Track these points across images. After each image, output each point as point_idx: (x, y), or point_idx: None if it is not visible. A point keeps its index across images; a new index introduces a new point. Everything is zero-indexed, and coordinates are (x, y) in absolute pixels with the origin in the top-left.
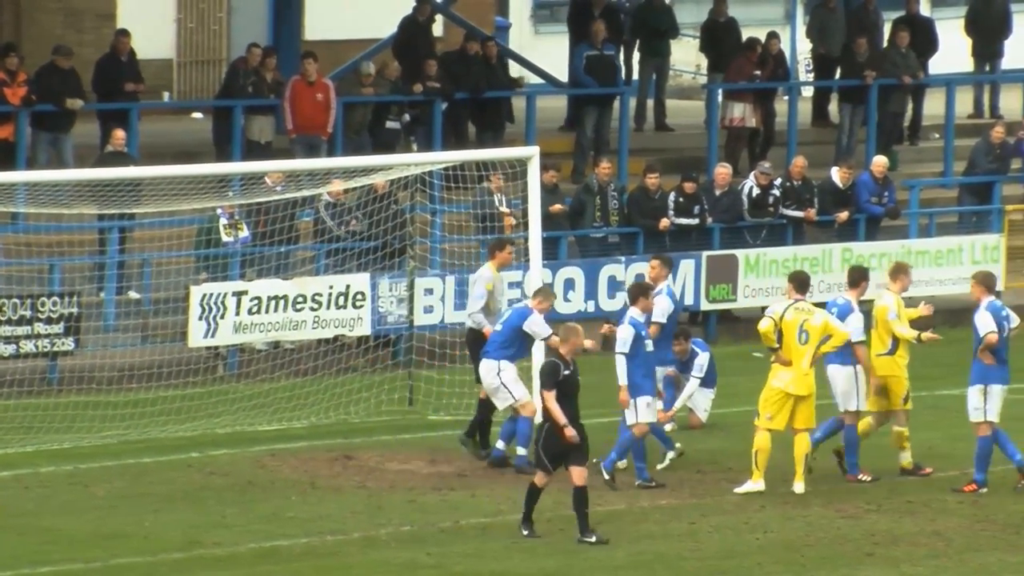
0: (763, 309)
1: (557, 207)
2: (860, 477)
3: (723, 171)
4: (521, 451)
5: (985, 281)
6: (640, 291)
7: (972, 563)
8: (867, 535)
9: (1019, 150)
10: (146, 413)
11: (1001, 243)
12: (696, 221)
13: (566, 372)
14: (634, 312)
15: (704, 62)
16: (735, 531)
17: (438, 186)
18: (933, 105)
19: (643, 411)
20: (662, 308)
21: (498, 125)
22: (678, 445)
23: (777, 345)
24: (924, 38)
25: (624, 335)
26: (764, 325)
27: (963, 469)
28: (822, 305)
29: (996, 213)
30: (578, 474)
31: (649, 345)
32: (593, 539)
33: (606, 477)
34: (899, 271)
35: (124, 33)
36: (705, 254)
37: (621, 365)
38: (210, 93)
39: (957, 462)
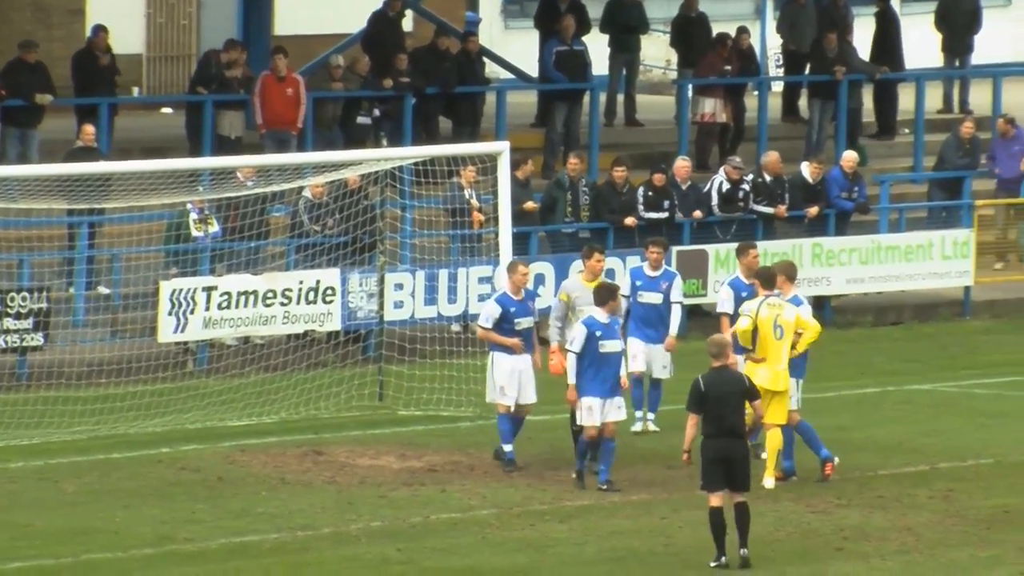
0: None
1: (530, 204)
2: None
3: (683, 164)
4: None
5: (787, 271)
6: (609, 293)
7: (942, 558)
8: (837, 530)
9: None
10: (116, 409)
11: (971, 238)
12: (665, 215)
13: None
14: (597, 312)
15: (674, 57)
16: (706, 526)
17: (408, 181)
18: (903, 100)
19: (585, 413)
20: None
21: (473, 121)
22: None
23: (751, 347)
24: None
25: (577, 334)
26: (743, 325)
27: (933, 464)
28: None
29: (966, 208)
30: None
31: (605, 346)
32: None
33: (573, 476)
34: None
35: (102, 29)
36: (675, 249)
37: (571, 364)
38: (180, 88)
39: (928, 456)
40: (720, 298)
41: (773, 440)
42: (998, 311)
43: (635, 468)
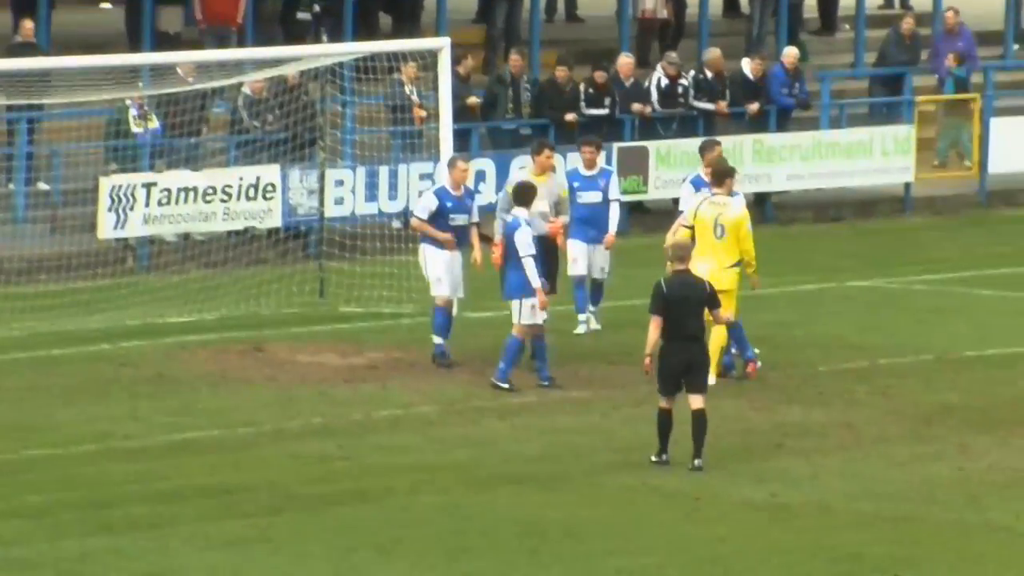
0: (674, 201)
1: (472, 100)
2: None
3: (627, 61)
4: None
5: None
6: (529, 193)
7: (882, 454)
8: (777, 427)
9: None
10: (56, 305)
11: (912, 134)
12: (607, 112)
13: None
14: (521, 213)
15: None
16: (647, 423)
17: (349, 78)
18: None
19: (527, 312)
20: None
21: (414, 17)
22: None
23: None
24: None
25: (524, 238)
26: (679, 234)
27: (873, 360)
28: None
29: (907, 104)
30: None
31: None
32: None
33: (505, 387)
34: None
35: None
36: (616, 146)
37: (532, 268)
38: None
39: (868, 353)
40: (682, 195)
41: (718, 338)
42: (938, 208)
43: (576, 366)
